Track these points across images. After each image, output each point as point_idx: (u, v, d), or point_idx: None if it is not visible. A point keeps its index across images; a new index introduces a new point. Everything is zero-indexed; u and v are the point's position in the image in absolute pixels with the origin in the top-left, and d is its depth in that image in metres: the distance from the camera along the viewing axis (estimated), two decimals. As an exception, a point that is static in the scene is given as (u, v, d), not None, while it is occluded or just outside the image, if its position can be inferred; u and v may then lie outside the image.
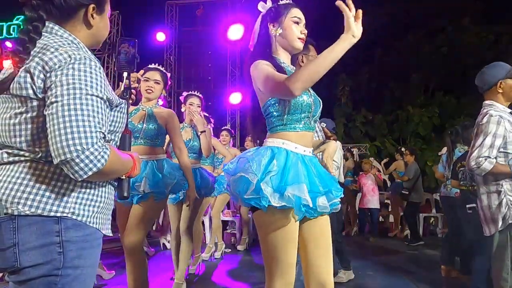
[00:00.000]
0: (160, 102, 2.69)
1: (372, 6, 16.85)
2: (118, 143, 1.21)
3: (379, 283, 3.73)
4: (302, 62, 2.25)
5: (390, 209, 7.45)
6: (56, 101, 0.96)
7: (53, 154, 0.94)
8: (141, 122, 2.50)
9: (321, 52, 1.38)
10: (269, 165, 1.45)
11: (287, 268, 1.47)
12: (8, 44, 9.19)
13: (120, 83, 1.38)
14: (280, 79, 1.41)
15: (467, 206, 3.12)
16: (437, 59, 15.76)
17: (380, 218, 7.42)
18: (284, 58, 1.67)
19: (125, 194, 1.18)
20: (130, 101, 1.39)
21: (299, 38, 1.62)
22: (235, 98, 9.12)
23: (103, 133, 1.00)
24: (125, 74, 1.35)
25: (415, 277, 3.89)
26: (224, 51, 9.77)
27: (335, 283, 1.61)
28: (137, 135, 2.47)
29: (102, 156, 0.96)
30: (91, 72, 1.01)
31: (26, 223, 0.98)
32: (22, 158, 1.02)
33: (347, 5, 1.33)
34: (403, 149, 7.11)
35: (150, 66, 2.63)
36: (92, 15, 1.14)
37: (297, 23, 1.62)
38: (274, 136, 1.57)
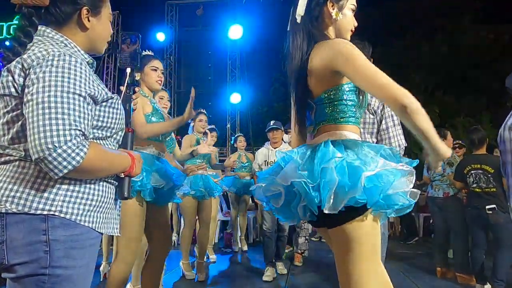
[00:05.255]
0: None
1: (372, 5, 16.89)
2: (119, 141, 1.21)
3: (379, 283, 3.73)
4: None
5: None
6: (32, 99, 0.96)
7: (30, 152, 0.95)
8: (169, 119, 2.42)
9: None
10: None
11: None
12: (8, 44, 9.18)
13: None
14: (395, 84, 1.16)
15: (487, 207, 3.22)
16: (437, 58, 15.76)
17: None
18: None
19: (126, 194, 1.16)
20: (134, 97, 1.36)
21: (351, 30, 1.46)
22: (235, 98, 9.11)
23: (80, 130, 0.98)
24: (128, 70, 1.32)
25: (415, 276, 3.90)
26: (224, 51, 9.76)
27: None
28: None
29: (78, 154, 0.95)
30: (69, 68, 1.00)
31: (14, 221, 0.98)
32: (12, 158, 1.03)
33: None
34: None
35: (149, 53, 2.43)
36: (87, 18, 1.14)
37: (354, 11, 1.45)
38: (348, 128, 1.33)
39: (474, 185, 3.42)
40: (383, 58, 16.62)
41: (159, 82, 2.36)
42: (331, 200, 1.16)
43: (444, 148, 1.17)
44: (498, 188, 3.23)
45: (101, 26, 1.19)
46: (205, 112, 3.99)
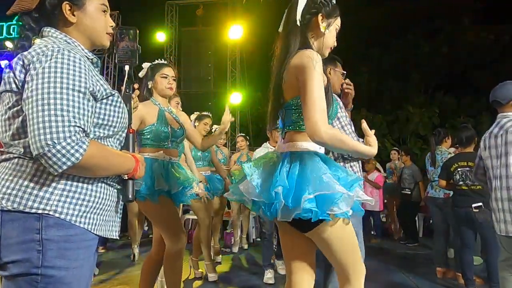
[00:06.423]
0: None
1: (372, 5, 16.91)
2: (122, 141, 1.19)
3: (379, 283, 3.73)
4: (330, 74, 2.25)
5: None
6: (31, 95, 0.96)
7: (30, 148, 0.95)
8: (180, 128, 2.43)
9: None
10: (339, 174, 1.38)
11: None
12: (8, 44, 9.20)
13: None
14: (323, 112, 1.27)
15: (473, 205, 3.18)
16: (437, 59, 15.76)
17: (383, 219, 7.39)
18: None
19: (130, 197, 1.14)
20: (134, 95, 1.33)
21: (330, 48, 1.52)
22: (235, 98, 9.10)
23: (80, 126, 0.98)
24: (126, 68, 1.28)
25: (415, 276, 3.90)
26: (224, 51, 9.75)
27: None
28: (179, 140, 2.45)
29: (77, 150, 0.95)
30: (68, 64, 1.00)
31: (9, 219, 0.98)
32: (11, 156, 1.03)
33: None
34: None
35: (160, 62, 2.47)
36: (71, 13, 1.12)
37: (337, 32, 1.52)
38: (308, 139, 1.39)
39: (461, 183, 3.40)
40: (384, 58, 16.64)
41: (170, 88, 2.42)
42: (280, 215, 1.33)
43: (367, 149, 1.37)
44: (485, 186, 3.19)
45: (89, 18, 1.15)
46: (210, 115, 3.91)
